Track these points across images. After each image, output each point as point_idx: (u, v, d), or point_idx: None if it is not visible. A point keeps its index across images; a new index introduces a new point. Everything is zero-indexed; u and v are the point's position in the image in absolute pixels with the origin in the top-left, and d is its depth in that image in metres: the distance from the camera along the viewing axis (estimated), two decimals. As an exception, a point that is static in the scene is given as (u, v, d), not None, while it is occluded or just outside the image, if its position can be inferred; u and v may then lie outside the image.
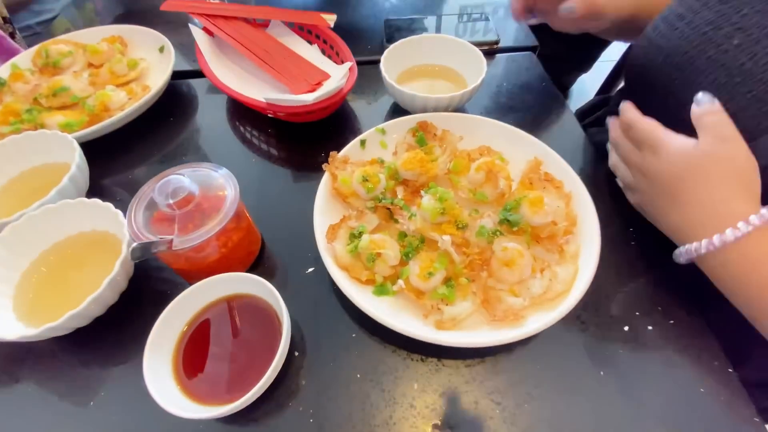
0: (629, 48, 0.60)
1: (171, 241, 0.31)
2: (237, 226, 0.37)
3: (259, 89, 0.55)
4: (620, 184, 0.41)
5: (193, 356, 0.32)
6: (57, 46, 0.59)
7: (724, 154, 0.31)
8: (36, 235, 0.38)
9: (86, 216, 0.40)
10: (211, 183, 0.35)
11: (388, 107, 0.56)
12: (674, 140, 0.34)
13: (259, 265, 0.41)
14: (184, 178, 0.33)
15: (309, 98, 0.46)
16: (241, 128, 0.55)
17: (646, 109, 0.37)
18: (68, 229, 0.40)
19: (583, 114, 0.67)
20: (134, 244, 0.31)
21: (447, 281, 0.36)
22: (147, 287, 0.40)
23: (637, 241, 0.42)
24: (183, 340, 0.33)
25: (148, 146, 0.53)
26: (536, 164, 0.43)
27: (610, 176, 0.43)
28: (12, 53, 0.65)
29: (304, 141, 0.53)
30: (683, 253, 0.34)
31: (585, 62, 1.06)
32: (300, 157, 0.51)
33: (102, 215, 0.39)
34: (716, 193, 0.31)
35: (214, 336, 0.34)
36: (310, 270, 0.40)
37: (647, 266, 0.40)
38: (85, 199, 0.39)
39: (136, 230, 0.32)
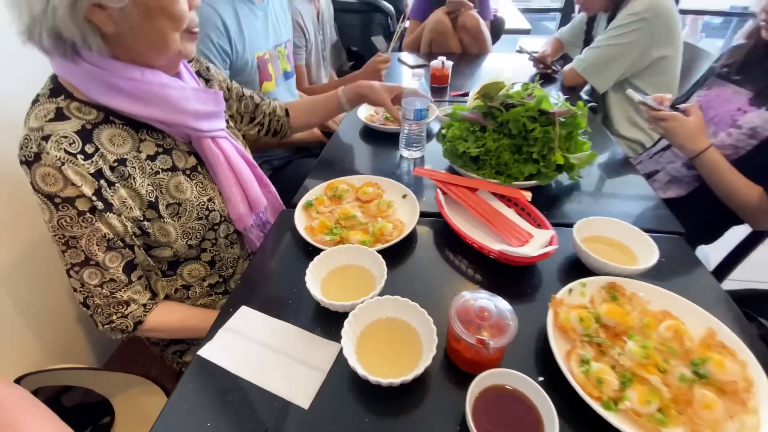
0: None
1: (484, 341, 0.51)
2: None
3: (477, 236, 0.79)
4: None
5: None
6: (341, 185, 0.91)
7: None
8: (366, 312, 0.60)
9: (392, 306, 0.61)
10: (501, 308, 0.56)
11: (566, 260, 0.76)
12: None
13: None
14: (501, 306, 0.54)
15: (533, 253, 0.68)
16: (455, 261, 0.77)
17: None
18: (381, 313, 0.62)
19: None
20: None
21: (659, 410, 0.50)
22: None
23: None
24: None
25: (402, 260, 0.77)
26: (712, 333, 0.58)
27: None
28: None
29: (505, 273, 0.73)
30: None
31: (710, 237, 1.21)
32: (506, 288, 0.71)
33: (403, 308, 0.61)
34: None
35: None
36: (540, 379, 0.56)
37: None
38: (399, 297, 0.61)
39: (461, 329, 0.52)
